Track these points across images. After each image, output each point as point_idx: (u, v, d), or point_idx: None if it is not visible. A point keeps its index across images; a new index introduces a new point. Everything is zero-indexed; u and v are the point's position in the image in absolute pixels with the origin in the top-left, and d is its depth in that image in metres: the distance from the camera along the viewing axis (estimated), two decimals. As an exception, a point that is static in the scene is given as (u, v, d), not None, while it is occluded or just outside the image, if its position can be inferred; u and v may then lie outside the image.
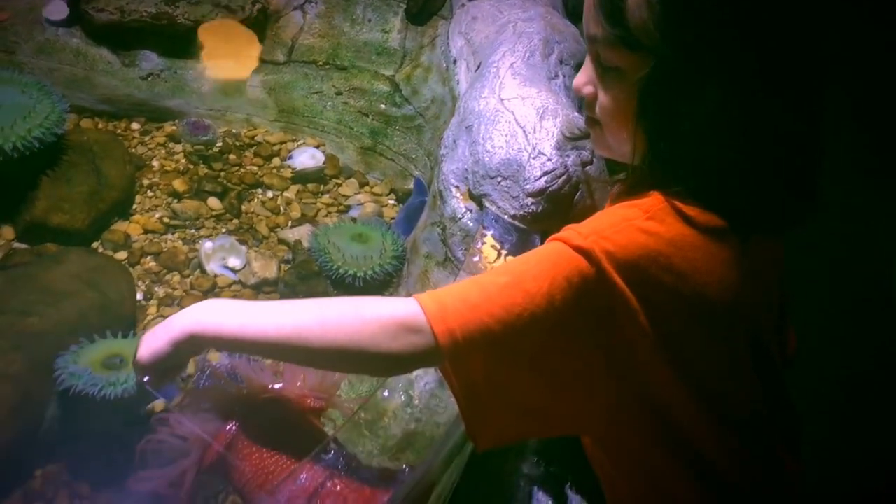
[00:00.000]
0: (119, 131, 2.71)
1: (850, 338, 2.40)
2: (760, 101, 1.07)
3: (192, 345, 1.27)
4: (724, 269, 1.11)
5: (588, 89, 1.21)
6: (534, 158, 1.81)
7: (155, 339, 1.29)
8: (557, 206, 1.83)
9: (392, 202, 2.67)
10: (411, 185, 2.65)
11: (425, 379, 1.58)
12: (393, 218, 2.58)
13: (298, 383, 1.57)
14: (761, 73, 1.06)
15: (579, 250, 1.09)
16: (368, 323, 1.13)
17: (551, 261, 1.10)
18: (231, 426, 1.51)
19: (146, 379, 1.36)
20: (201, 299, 2.23)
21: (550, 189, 1.80)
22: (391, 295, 2.30)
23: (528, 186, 1.80)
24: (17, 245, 2.27)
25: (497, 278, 1.13)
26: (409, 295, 2.16)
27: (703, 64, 1.06)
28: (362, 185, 2.71)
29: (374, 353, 1.13)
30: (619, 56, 1.12)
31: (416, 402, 1.56)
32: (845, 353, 2.33)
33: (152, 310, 2.20)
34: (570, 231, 1.12)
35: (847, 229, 2.49)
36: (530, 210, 1.81)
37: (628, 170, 1.23)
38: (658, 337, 1.09)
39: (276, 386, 1.60)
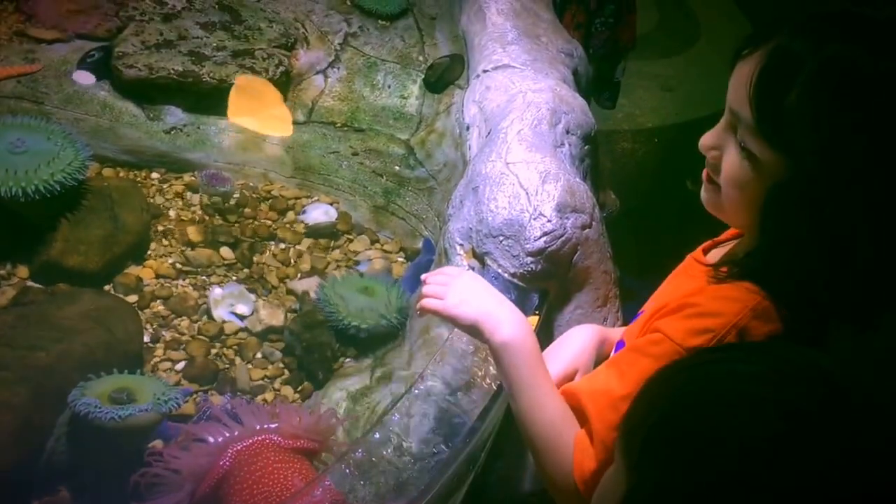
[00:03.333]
0: (139, 180, 2.79)
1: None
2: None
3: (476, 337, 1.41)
4: None
5: (713, 154, 1.23)
6: (534, 219, 1.87)
7: (467, 309, 1.39)
8: (556, 266, 1.88)
9: (401, 260, 2.73)
10: (420, 245, 2.71)
11: (419, 430, 1.61)
12: (401, 275, 2.63)
13: (294, 423, 1.61)
14: None
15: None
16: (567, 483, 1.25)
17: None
18: (224, 462, 1.55)
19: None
20: (208, 344, 2.29)
21: (549, 249, 1.86)
22: (393, 348, 2.33)
23: (528, 246, 1.86)
24: (30, 284, 2.34)
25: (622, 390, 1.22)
26: (410, 350, 2.20)
27: (851, 189, 1.08)
28: (373, 242, 2.78)
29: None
30: (759, 146, 1.14)
31: (409, 448, 1.59)
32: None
33: (159, 352, 2.25)
34: (683, 333, 1.17)
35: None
36: (529, 269, 1.86)
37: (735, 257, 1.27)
38: None
39: (272, 426, 1.64)
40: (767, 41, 1.13)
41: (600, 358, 1.53)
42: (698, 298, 1.21)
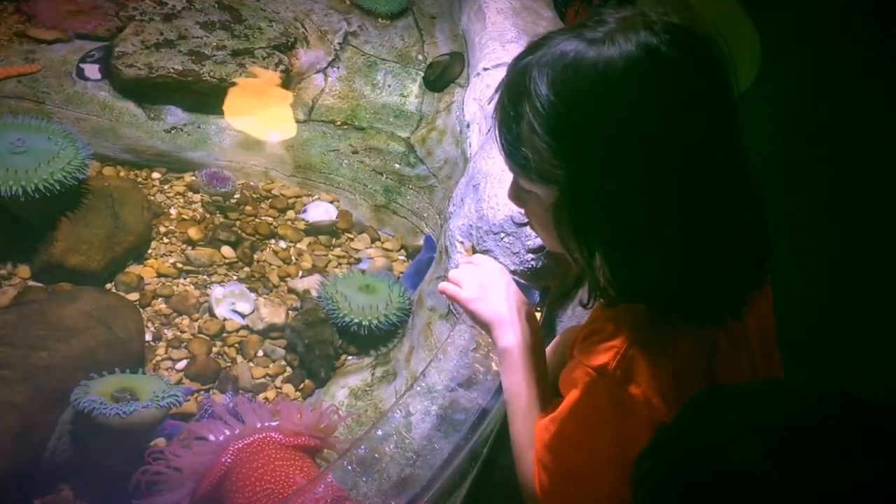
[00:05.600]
0: (140, 180, 2.79)
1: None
2: (673, 203, 1.12)
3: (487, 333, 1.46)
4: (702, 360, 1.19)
5: (517, 203, 1.32)
6: (536, 215, 1.86)
7: (482, 307, 1.43)
8: (557, 263, 1.87)
9: (402, 258, 2.73)
10: (421, 242, 2.71)
11: (421, 426, 1.61)
12: (402, 272, 2.63)
13: (295, 420, 1.61)
14: (664, 183, 1.11)
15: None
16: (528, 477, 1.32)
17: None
18: (225, 460, 1.55)
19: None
20: (209, 343, 2.30)
21: (550, 245, 1.85)
22: (395, 345, 2.33)
23: (529, 243, 1.85)
24: (31, 283, 2.34)
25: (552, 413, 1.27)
26: (412, 347, 2.19)
27: (607, 187, 1.12)
28: (374, 240, 2.78)
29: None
30: (531, 184, 1.22)
31: (412, 444, 1.59)
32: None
33: (160, 350, 2.25)
34: (591, 355, 1.21)
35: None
36: (530, 266, 1.86)
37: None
38: None
39: (274, 423, 1.64)
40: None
41: None
42: (597, 315, 1.27)
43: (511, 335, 1.39)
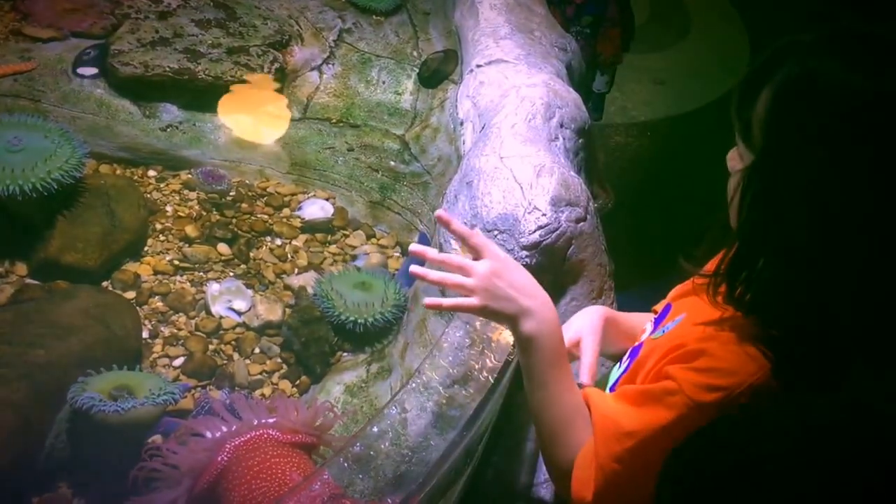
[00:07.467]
0: (136, 178, 2.80)
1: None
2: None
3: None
4: None
5: (730, 164, 1.28)
6: (529, 213, 1.88)
7: (506, 305, 1.36)
8: (551, 260, 1.89)
9: (397, 254, 2.75)
10: (416, 239, 2.72)
11: (417, 422, 1.62)
12: (397, 269, 2.64)
13: (292, 418, 1.62)
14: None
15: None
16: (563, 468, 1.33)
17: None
18: (222, 457, 1.56)
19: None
20: (205, 340, 2.31)
21: (544, 243, 1.87)
22: (390, 342, 2.35)
23: (522, 240, 1.87)
24: (29, 281, 2.35)
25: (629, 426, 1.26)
26: (406, 344, 2.21)
27: (797, 178, 1.12)
28: (369, 237, 2.79)
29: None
30: (742, 144, 1.22)
31: (407, 441, 1.60)
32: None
33: (157, 348, 2.27)
34: (696, 388, 1.20)
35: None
36: (524, 263, 1.87)
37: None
38: None
39: (270, 420, 1.65)
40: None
41: (610, 339, 1.56)
42: (713, 347, 1.22)
43: (535, 319, 1.34)
